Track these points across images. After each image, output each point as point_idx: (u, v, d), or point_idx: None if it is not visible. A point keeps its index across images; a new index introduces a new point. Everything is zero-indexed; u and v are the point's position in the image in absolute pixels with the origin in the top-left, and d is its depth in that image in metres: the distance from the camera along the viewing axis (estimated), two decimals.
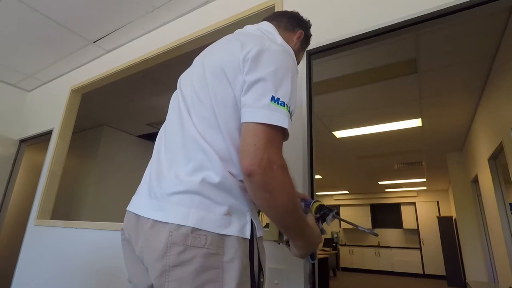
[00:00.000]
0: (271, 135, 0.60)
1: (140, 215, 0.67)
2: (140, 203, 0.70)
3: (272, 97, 0.62)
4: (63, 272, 2.02)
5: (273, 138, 0.61)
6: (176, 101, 0.81)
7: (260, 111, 0.61)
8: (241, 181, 0.65)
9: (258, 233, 0.66)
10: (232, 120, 0.67)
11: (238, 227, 0.61)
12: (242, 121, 0.64)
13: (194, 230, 0.58)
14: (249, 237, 0.63)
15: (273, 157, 0.59)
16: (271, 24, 0.89)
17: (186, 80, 0.81)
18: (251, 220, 0.65)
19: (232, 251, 0.59)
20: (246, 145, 0.60)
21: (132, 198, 0.78)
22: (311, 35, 1.01)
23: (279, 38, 0.80)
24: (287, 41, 0.86)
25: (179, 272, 0.57)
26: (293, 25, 0.93)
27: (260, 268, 0.65)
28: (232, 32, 0.91)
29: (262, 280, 0.65)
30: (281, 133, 0.63)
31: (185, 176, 0.64)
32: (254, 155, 0.58)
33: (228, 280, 0.57)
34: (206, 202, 0.61)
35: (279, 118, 0.61)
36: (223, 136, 0.67)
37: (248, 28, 0.90)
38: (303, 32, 0.94)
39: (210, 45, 0.88)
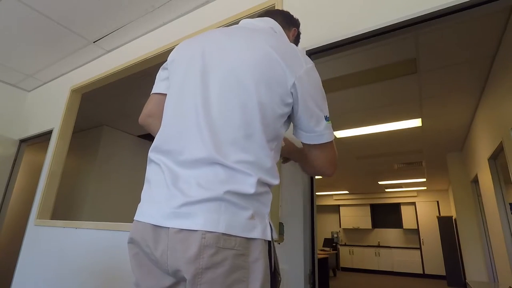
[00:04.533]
0: (333, 145, 0.84)
1: (161, 226, 0.65)
2: (157, 213, 0.67)
3: (326, 117, 0.79)
4: (63, 272, 2.02)
5: (334, 146, 0.85)
6: (189, 99, 0.74)
7: (326, 134, 0.79)
8: (264, 184, 0.69)
9: (274, 235, 0.70)
10: (267, 131, 0.72)
11: (261, 230, 0.65)
12: (312, 142, 0.80)
13: (224, 234, 0.61)
14: (270, 239, 0.67)
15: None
16: (276, 23, 0.93)
17: (192, 75, 0.76)
18: (269, 222, 0.69)
19: (257, 252, 0.63)
20: (327, 161, 0.84)
21: (141, 206, 0.73)
22: (300, 33, 1.11)
23: (297, 49, 0.83)
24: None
25: (211, 274, 0.59)
26: (288, 23, 1.01)
27: (275, 268, 0.69)
28: None
29: (279, 279, 0.70)
30: None
31: (210, 184, 0.64)
32: (334, 164, 0.86)
33: (253, 279, 0.61)
34: (233, 208, 0.63)
35: (332, 133, 0.81)
36: (257, 147, 0.69)
37: (259, 24, 0.90)
38: (296, 30, 1.04)
39: (219, 35, 0.83)
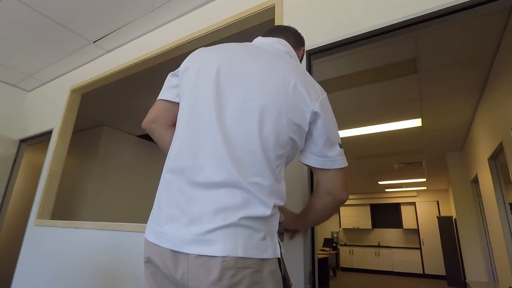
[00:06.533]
0: (346, 171, 0.85)
1: (180, 252, 0.66)
2: (176, 238, 0.67)
3: (339, 144, 0.83)
4: (63, 272, 2.02)
5: (346, 173, 0.86)
6: (203, 117, 0.74)
7: (339, 160, 0.82)
8: (276, 206, 0.73)
9: (282, 251, 0.75)
10: (279, 157, 0.74)
11: (272, 249, 0.69)
12: (325, 167, 0.82)
13: (242, 257, 0.65)
14: (280, 257, 0.71)
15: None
16: (290, 46, 0.94)
17: (207, 92, 0.75)
18: (278, 240, 0.73)
19: (269, 267, 0.68)
20: (340, 185, 0.84)
21: (154, 228, 0.73)
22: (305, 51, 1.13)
23: (311, 77, 0.85)
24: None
25: None
26: (298, 42, 1.01)
27: (285, 276, 0.75)
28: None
29: (290, 285, 0.77)
30: None
31: (227, 211, 0.66)
32: (348, 188, 0.85)
33: None
34: (248, 231, 0.66)
35: (345, 160, 0.84)
36: (269, 171, 0.71)
37: (276, 47, 0.89)
38: (304, 50, 1.05)
39: (239, 53, 0.82)
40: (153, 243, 0.72)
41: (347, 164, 0.84)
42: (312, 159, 0.82)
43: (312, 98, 0.76)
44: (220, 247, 0.63)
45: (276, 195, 0.72)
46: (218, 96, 0.74)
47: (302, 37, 1.05)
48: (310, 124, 0.77)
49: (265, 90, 0.74)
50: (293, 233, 1.13)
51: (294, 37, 0.99)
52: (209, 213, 0.66)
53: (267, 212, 0.68)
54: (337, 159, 0.81)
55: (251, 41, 0.95)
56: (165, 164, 0.78)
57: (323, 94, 0.80)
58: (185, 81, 0.82)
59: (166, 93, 0.88)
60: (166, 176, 0.76)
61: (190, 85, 0.80)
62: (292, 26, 1.05)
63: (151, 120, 0.89)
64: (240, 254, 0.64)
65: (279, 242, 0.72)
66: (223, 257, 0.63)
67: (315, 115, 0.76)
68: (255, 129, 0.71)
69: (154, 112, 0.89)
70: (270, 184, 0.70)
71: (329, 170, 0.82)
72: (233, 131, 0.71)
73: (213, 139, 0.70)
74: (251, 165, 0.69)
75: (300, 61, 1.05)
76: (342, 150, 0.83)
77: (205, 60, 0.82)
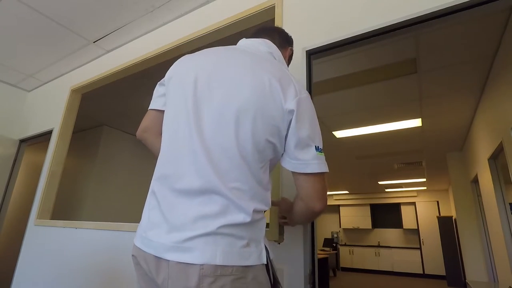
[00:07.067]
0: (323, 179, 0.78)
1: (161, 258, 0.68)
2: (158, 245, 0.69)
3: (316, 147, 0.76)
4: (63, 272, 2.02)
5: (324, 181, 0.79)
6: (183, 126, 0.75)
7: (313, 164, 0.75)
8: (259, 212, 0.72)
9: (271, 255, 0.74)
10: (259, 160, 0.73)
11: (256, 256, 0.68)
12: (296, 171, 0.76)
13: (221, 265, 0.64)
14: (266, 263, 0.70)
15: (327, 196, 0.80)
16: (275, 47, 0.92)
17: (186, 101, 0.76)
18: (265, 245, 0.72)
19: (253, 273, 0.67)
20: (312, 193, 0.77)
21: (140, 234, 0.76)
22: (293, 51, 1.09)
23: (293, 78, 0.82)
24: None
25: None
26: (284, 41, 1.00)
27: (275, 278, 0.74)
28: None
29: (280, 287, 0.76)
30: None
31: (206, 219, 0.66)
32: (324, 198, 0.77)
33: None
34: (229, 238, 0.66)
35: (325, 165, 0.77)
36: (250, 175, 0.70)
37: (260, 48, 0.88)
38: (291, 49, 1.03)
39: (217, 58, 0.82)
40: (139, 248, 0.74)
41: (324, 170, 0.76)
42: (286, 161, 0.78)
43: (288, 97, 0.74)
44: (197, 255, 0.64)
45: (259, 200, 0.71)
46: (195, 105, 0.75)
47: (290, 36, 1.04)
48: (287, 124, 0.75)
49: (241, 93, 0.73)
50: (284, 218, 1.10)
51: (279, 37, 0.98)
52: (190, 221, 0.67)
53: (247, 218, 0.67)
54: (310, 163, 0.74)
55: None
56: (154, 173, 0.81)
57: (302, 94, 0.77)
58: (169, 91, 0.84)
59: (155, 102, 0.91)
60: (153, 184, 0.78)
61: (173, 94, 0.82)
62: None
63: (143, 130, 0.93)
64: (218, 262, 0.63)
65: (266, 248, 0.72)
66: (200, 265, 0.63)
67: (290, 114, 0.74)
68: (232, 134, 0.70)
69: (145, 122, 0.93)
70: (250, 188, 0.70)
71: (301, 175, 0.76)
72: (211, 140, 0.71)
73: (192, 148, 0.71)
74: (230, 170, 0.69)
75: (289, 61, 1.03)
76: (319, 155, 0.76)
77: (185, 69, 0.83)
